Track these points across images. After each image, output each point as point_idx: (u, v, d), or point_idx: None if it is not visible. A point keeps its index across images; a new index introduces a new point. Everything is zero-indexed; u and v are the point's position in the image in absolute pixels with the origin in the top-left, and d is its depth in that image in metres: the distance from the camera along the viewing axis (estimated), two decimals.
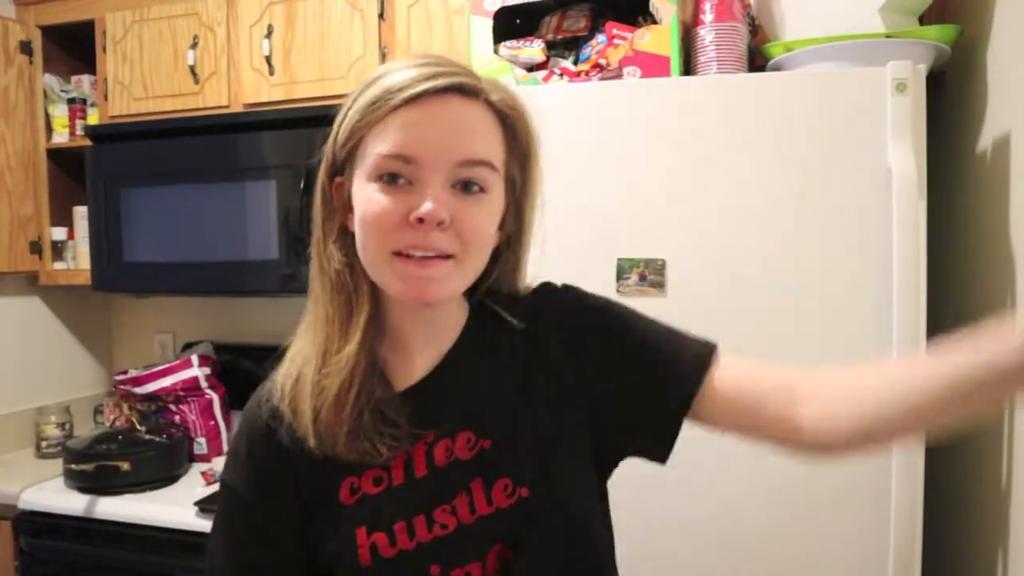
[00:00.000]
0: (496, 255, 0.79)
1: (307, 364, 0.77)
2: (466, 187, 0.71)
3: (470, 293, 0.81)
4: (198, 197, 1.96)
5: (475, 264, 0.74)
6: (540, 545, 0.73)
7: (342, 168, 0.77)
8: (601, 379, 0.79)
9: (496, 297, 0.82)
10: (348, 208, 0.76)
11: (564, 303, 0.82)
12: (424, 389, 0.78)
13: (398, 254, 0.70)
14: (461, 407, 0.77)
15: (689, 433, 1.38)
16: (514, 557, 0.73)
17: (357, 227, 0.73)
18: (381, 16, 1.87)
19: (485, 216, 0.73)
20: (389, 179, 0.70)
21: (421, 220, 0.68)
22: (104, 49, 2.14)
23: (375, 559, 0.73)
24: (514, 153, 0.76)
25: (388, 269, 0.71)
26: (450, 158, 0.70)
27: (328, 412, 0.74)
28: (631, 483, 1.39)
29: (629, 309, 0.83)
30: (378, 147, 0.71)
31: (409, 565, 0.73)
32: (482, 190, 0.72)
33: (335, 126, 0.78)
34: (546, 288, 0.84)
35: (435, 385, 0.78)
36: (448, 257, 0.70)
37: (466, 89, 0.71)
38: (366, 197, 0.71)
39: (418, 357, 0.79)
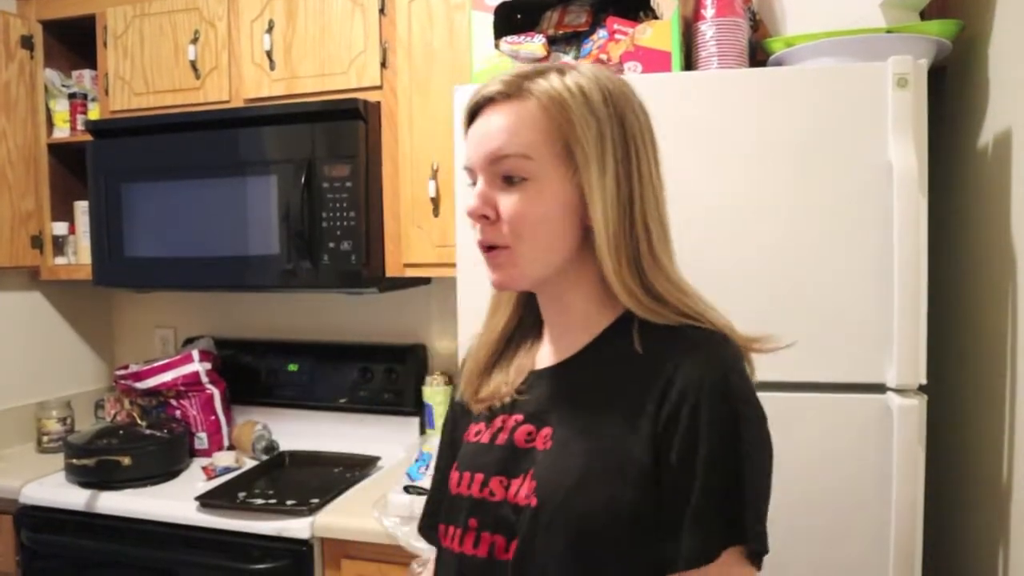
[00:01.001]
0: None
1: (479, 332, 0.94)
2: (509, 180, 0.79)
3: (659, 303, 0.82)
4: (199, 192, 1.96)
5: (533, 250, 0.80)
6: (535, 547, 0.78)
7: None
8: (676, 462, 0.76)
9: (653, 303, 0.81)
10: None
11: (708, 368, 0.77)
12: (543, 376, 0.86)
13: (479, 246, 0.83)
14: (557, 405, 0.83)
15: None
16: (513, 556, 0.79)
17: None
18: (382, 11, 1.87)
19: (527, 203, 0.79)
20: (472, 183, 0.83)
21: (470, 216, 0.81)
22: (105, 44, 2.14)
23: (450, 492, 0.87)
24: (566, 137, 0.79)
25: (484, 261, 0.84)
26: (484, 159, 0.80)
27: (471, 366, 0.91)
28: None
29: (750, 438, 0.76)
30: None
31: (460, 508, 0.85)
32: (523, 179, 0.79)
33: None
34: (705, 341, 0.80)
35: (551, 377, 0.86)
36: (504, 247, 0.80)
37: (498, 96, 0.80)
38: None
39: (555, 346, 0.87)
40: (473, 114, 0.84)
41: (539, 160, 0.78)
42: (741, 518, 0.74)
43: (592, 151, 0.78)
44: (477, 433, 0.88)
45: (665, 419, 0.76)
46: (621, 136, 0.79)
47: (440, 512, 0.91)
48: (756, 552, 0.75)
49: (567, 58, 1.58)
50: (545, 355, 0.88)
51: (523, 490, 0.80)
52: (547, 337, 0.89)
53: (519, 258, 0.80)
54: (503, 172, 0.79)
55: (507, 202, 0.79)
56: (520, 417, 0.84)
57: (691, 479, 0.74)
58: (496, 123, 0.80)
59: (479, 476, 0.84)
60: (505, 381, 0.88)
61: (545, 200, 0.79)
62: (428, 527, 0.97)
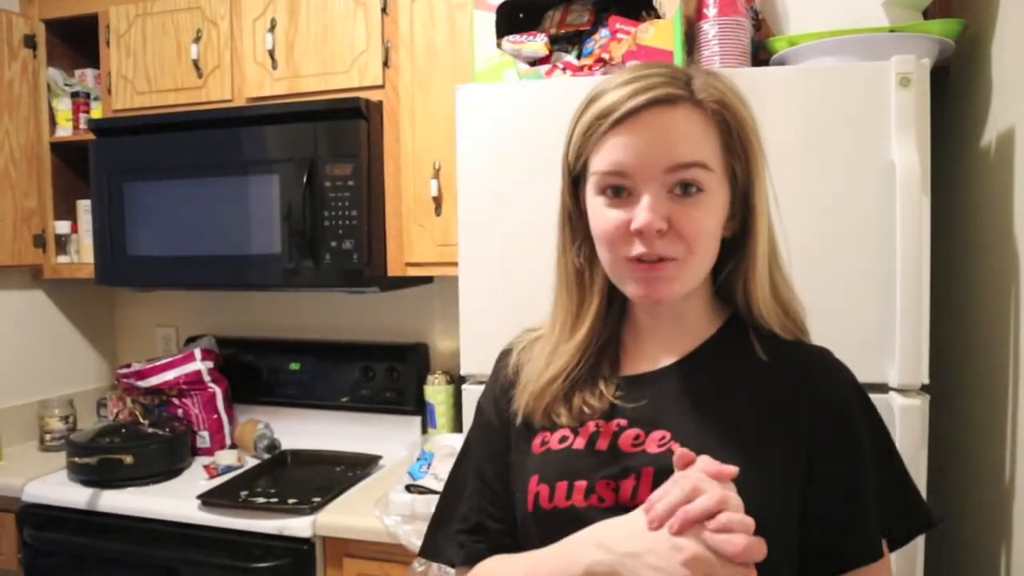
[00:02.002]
0: (730, 257, 0.83)
1: (542, 341, 0.88)
2: (685, 189, 0.75)
3: (731, 305, 0.86)
4: (201, 191, 1.96)
5: (700, 263, 0.79)
6: None
7: (577, 181, 0.84)
8: (824, 465, 0.79)
9: (756, 323, 0.83)
10: (586, 215, 0.83)
11: (845, 379, 0.84)
12: (644, 381, 0.84)
13: (632, 260, 0.77)
14: (670, 407, 0.81)
15: None
16: None
17: (594, 235, 0.81)
18: (384, 10, 1.87)
19: (704, 216, 0.76)
20: (613, 192, 0.78)
21: (641, 232, 0.75)
22: (107, 43, 2.14)
23: (535, 507, 0.81)
24: (732, 149, 0.78)
25: (625, 273, 0.79)
26: (659, 167, 0.75)
27: (542, 389, 0.84)
28: None
29: (885, 431, 0.84)
30: (599, 165, 0.78)
31: (558, 522, 0.78)
32: (700, 190, 0.76)
33: (565, 143, 0.85)
34: (827, 352, 0.86)
35: (656, 384, 0.83)
36: (673, 259, 0.76)
37: (671, 98, 0.75)
38: (595, 211, 0.80)
39: (656, 350, 0.85)
40: (621, 119, 0.76)
41: (716, 171, 0.77)
42: (920, 505, 0.84)
43: (760, 162, 0.79)
44: (563, 440, 0.83)
45: (823, 421, 0.79)
46: (760, 142, 0.80)
47: (502, 535, 0.86)
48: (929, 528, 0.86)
49: (569, 58, 1.57)
50: (643, 362, 0.85)
51: (645, 489, 0.76)
52: (642, 345, 0.86)
53: (687, 272, 0.78)
54: (681, 181, 0.75)
55: (684, 215, 0.75)
56: (623, 422, 0.81)
57: (835, 486, 0.78)
58: (676, 128, 0.75)
59: (580, 483, 0.79)
60: (593, 395, 0.83)
61: (717, 213, 0.78)
62: (474, 552, 0.87)
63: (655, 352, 0.85)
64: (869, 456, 0.79)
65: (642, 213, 0.74)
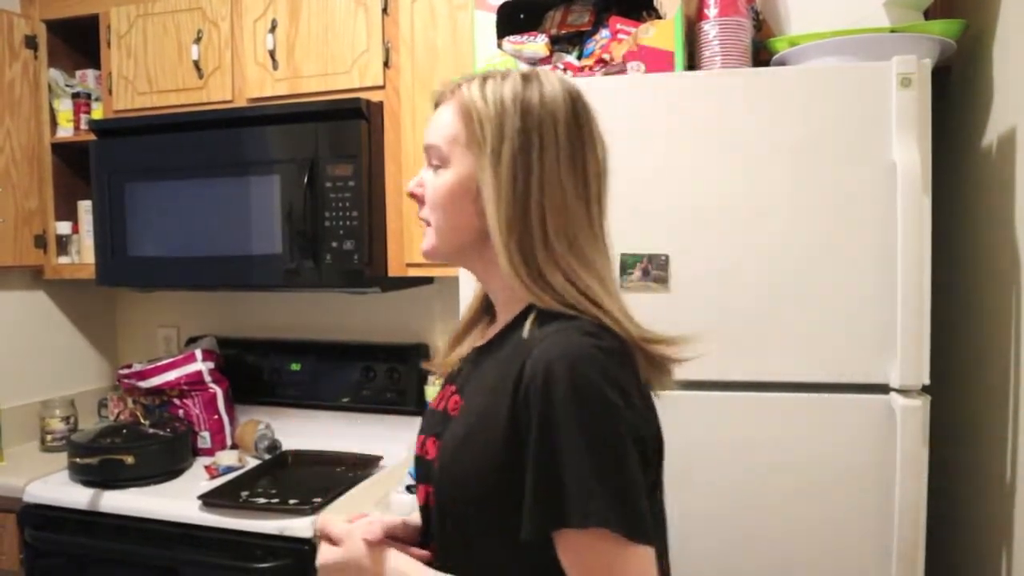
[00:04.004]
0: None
1: None
2: (435, 166, 0.92)
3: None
4: (202, 192, 1.96)
5: (442, 227, 0.92)
6: (437, 500, 0.90)
7: None
8: (523, 445, 0.81)
9: (554, 295, 0.87)
10: None
11: (545, 366, 0.80)
12: (476, 353, 0.97)
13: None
14: (471, 380, 0.93)
15: (690, 433, 1.39)
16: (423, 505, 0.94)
17: None
18: (385, 10, 1.87)
19: (440, 185, 0.91)
20: None
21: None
22: (108, 44, 2.14)
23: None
24: (474, 136, 0.89)
25: None
26: (423, 148, 0.94)
27: (444, 345, 1.04)
28: None
29: (571, 426, 0.77)
30: None
31: (415, 467, 0.98)
32: (440, 166, 0.92)
33: None
34: (560, 335, 0.83)
35: (476, 355, 0.97)
36: (427, 222, 0.94)
37: (438, 98, 0.95)
38: None
39: (495, 327, 0.97)
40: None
41: (451, 150, 0.90)
42: (562, 502, 0.75)
43: (487, 147, 0.88)
44: (434, 399, 1.01)
45: (520, 403, 0.81)
46: (523, 135, 0.87)
47: None
48: (624, 533, 0.75)
49: (570, 58, 1.57)
50: (489, 335, 0.98)
51: (436, 449, 0.91)
52: (495, 319, 1.00)
53: (433, 232, 0.93)
54: (430, 159, 0.93)
55: (427, 184, 0.93)
56: (455, 388, 0.95)
57: (527, 462, 0.79)
58: (432, 120, 0.94)
59: (421, 437, 0.97)
60: (460, 355, 1.00)
61: (452, 183, 0.90)
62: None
63: (493, 328, 0.98)
64: (530, 445, 0.79)
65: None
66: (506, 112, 0.88)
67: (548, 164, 0.87)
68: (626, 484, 0.77)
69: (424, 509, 0.95)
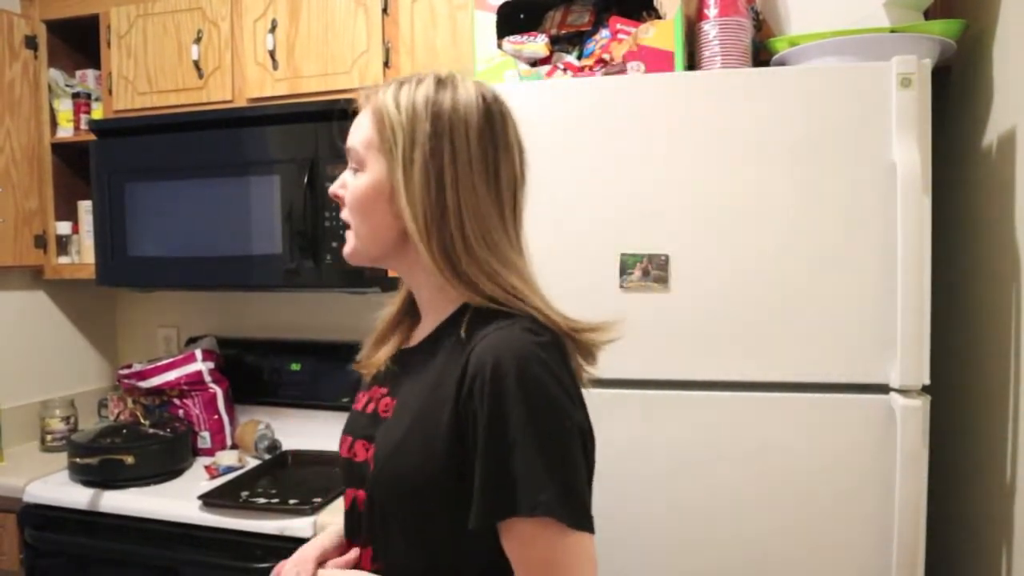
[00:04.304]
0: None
1: None
2: (355, 170, 0.94)
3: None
4: (202, 192, 1.96)
5: (360, 230, 0.94)
6: (372, 510, 0.92)
7: None
8: (471, 438, 0.83)
9: (484, 297, 0.89)
10: None
11: (490, 362, 0.82)
12: (404, 354, 0.98)
13: None
14: (404, 381, 0.95)
15: (690, 433, 1.39)
16: (363, 509, 0.94)
17: None
18: (385, 11, 1.87)
19: (356, 188, 0.93)
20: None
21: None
22: (108, 44, 2.14)
23: (341, 455, 1.01)
24: (390, 141, 0.91)
25: None
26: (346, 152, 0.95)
27: (367, 342, 1.04)
28: (635, 480, 1.40)
29: (521, 417, 0.80)
30: None
31: (342, 470, 1.00)
32: (358, 169, 0.93)
33: None
34: (503, 333, 0.85)
35: (407, 355, 0.97)
36: (348, 226, 0.95)
37: (362, 103, 0.95)
38: None
39: (421, 328, 0.99)
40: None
41: (367, 154, 0.92)
42: (512, 492, 0.79)
43: (397, 151, 0.89)
44: (358, 401, 1.02)
45: (464, 398, 0.83)
46: (433, 140, 0.89)
47: None
48: (567, 522, 0.79)
49: (570, 58, 1.57)
50: (416, 335, 1.00)
51: (370, 452, 0.92)
52: (420, 322, 1.01)
53: (353, 234, 0.95)
54: (349, 161, 0.95)
55: (347, 186, 0.94)
56: (385, 390, 0.96)
57: (475, 454, 0.81)
58: (353, 123, 0.96)
59: (348, 439, 0.98)
60: (385, 353, 1.00)
61: (367, 186, 0.92)
62: None
63: (421, 329, 0.99)
64: (479, 439, 0.81)
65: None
66: (417, 117, 0.89)
67: (461, 169, 0.89)
68: (571, 475, 0.81)
69: (351, 514, 0.97)
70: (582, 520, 0.80)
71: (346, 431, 1.01)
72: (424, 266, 0.90)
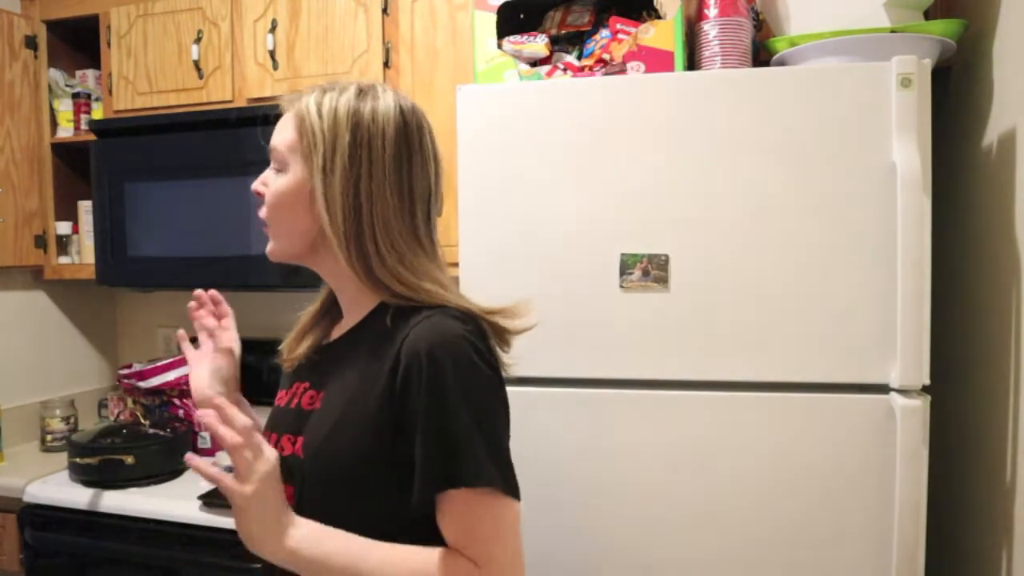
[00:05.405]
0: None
1: None
2: (278, 169, 0.97)
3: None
4: (202, 192, 1.96)
5: (280, 227, 0.98)
6: (304, 500, 0.93)
7: None
8: (407, 421, 0.88)
9: (400, 297, 0.94)
10: None
11: (419, 344, 0.88)
12: (327, 348, 1.02)
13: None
14: (330, 374, 0.97)
15: (690, 433, 1.39)
16: (294, 502, 0.93)
17: None
18: (385, 11, 1.87)
19: (277, 188, 0.96)
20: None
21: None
22: (108, 44, 2.15)
23: None
24: (310, 146, 0.94)
25: None
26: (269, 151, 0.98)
27: (289, 337, 1.07)
28: (636, 480, 1.40)
29: (456, 395, 0.87)
30: None
31: None
32: (279, 170, 0.97)
33: None
34: (428, 320, 0.91)
35: (331, 350, 1.01)
36: (267, 224, 0.99)
37: (287, 106, 0.99)
38: None
39: (343, 323, 1.03)
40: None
41: (290, 156, 0.96)
42: (456, 465, 0.85)
43: (318, 157, 0.93)
44: (280, 398, 1.05)
45: (400, 384, 0.88)
46: (352, 148, 0.93)
47: None
48: (502, 490, 0.86)
49: (570, 58, 1.57)
50: (335, 332, 1.03)
51: (297, 444, 0.95)
52: (341, 319, 1.04)
53: (274, 233, 0.99)
54: (272, 161, 0.98)
55: (268, 185, 0.98)
56: (307, 384, 1.00)
57: (414, 435, 0.86)
58: (278, 125, 0.99)
59: (273, 436, 0.99)
60: (305, 349, 1.03)
61: (288, 186, 0.95)
62: None
63: (343, 324, 1.02)
64: (419, 418, 0.86)
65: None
66: (338, 125, 0.93)
67: (376, 179, 0.93)
68: (503, 448, 0.89)
69: None
70: (515, 489, 0.88)
71: (269, 428, 1.03)
72: (342, 267, 0.95)
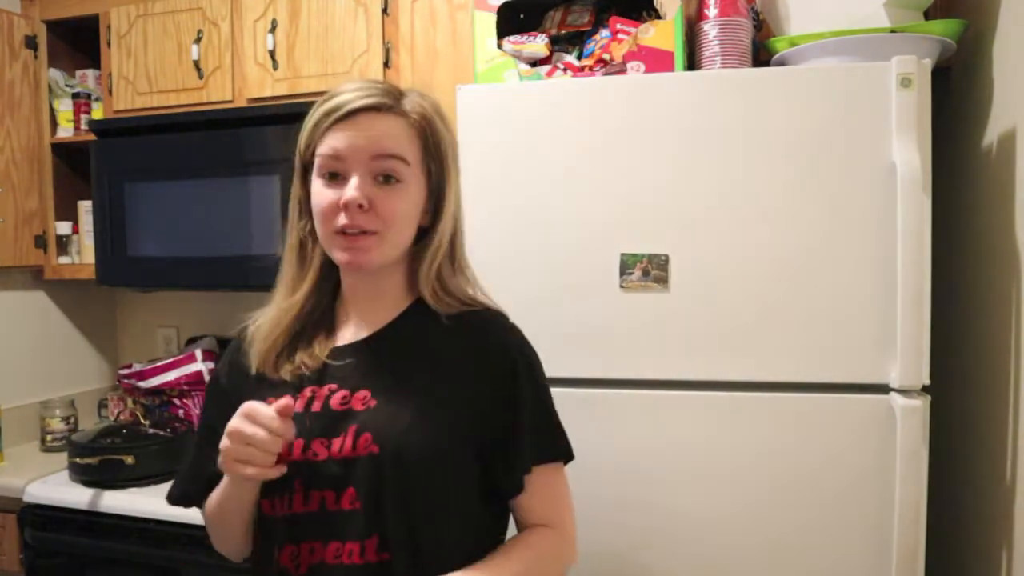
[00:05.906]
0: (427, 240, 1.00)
1: (271, 307, 1.04)
2: (386, 179, 0.94)
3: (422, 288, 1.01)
4: (202, 192, 1.96)
5: (395, 239, 0.96)
6: (387, 494, 0.92)
7: (305, 169, 1.00)
8: (500, 410, 0.98)
9: (444, 295, 1.00)
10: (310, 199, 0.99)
11: (514, 341, 1.03)
12: (353, 348, 1.00)
13: (338, 232, 0.94)
14: (371, 371, 0.97)
15: (690, 433, 1.39)
16: (363, 501, 0.92)
17: (313, 211, 0.97)
18: (385, 11, 1.87)
19: (399, 201, 0.95)
20: (330, 176, 0.95)
21: (347, 205, 0.92)
22: (108, 44, 2.14)
23: None
24: (430, 153, 0.98)
25: (333, 244, 0.96)
26: (366, 154, 0.93)
27: (268, 338, 1.01)
28: (636, 480, 1.40)
29: (545, 383, 1.05)
30: (322, 151, 0.95)
31: (310, 471, 0.94)
32: (397, 180, 0.94)
33: (300, 137, 0.99)
34: (504, 318, 1.04)
35: (362, 348, 1.00)
36: (373, 233, 0.94)
37: (382, 107, 0.94)
38: (315, 191, 0.96)
39: (361, 323, 1.02)
40: (342, 117, 0.94)
41: (413, 167, 0.96)
42: (555, 442, 1.03)
43: (451, 165, 0.99)
44: (296, 404, 0.97)
45: (507, 378, 0.98)
46: (455, 155, 1.00)
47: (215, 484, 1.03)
48: (567, 460, 1.04)
49: (570, 58, 1.57)
50: (349, 332, 1.02)
51: (348, 444, 0.93)
52: (350, 317, 1.03)
53: (383, 244, 0.95)
54: (383, 171, 0.94)
55: (383, 198, 0.94)
56: (334, 386, 0.97)
57: (521, 418, 0.97)
58: (382, 127, 0.94)
59: (299, 442, 0.94)
60: (309, 355, 0.99)
61: (411, 200, 0.97)
62: (198, 493, 1.08)
63: (359, 324, 1.02)
64: (528, 407, 0.98)
65: (349, 191, 0.92)
66: (453, 135, 0.99)
67: (459, 184, 1.02)
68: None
69: (320, 515, 0.93)
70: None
71: (299, 434, 0.95)
72: (402, 271, 1.01)
